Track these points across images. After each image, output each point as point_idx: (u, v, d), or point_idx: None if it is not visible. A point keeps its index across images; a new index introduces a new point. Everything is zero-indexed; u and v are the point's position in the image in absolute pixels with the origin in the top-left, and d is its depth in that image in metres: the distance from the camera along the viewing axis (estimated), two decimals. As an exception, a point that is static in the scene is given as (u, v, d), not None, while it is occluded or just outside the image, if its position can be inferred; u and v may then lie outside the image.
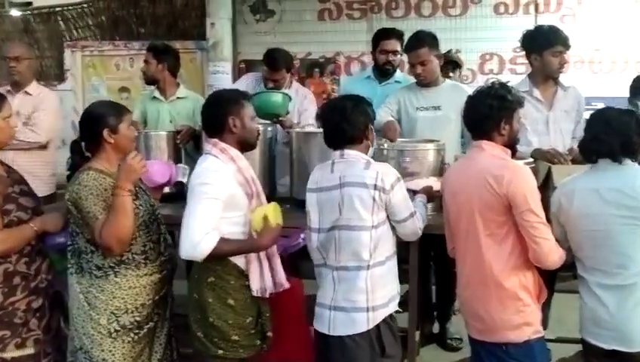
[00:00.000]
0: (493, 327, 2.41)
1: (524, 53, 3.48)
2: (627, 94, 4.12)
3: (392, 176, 2.45)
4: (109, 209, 2.36)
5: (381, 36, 4.00)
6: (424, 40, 3.56)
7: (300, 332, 2.85)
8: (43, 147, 4.01)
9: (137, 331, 2.50)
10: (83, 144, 2.54)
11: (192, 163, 3.47)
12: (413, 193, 2.76)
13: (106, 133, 2.46)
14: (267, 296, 2.49)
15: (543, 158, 3.03)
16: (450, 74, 4.44)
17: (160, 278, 2.57)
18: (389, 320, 2.48)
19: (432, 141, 3.22)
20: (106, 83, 6.27)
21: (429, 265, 3.73)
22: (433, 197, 2.86)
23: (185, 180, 3.20)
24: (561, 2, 5.26)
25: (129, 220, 2.36)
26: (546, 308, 2.82)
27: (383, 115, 3.50)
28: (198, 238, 2.28)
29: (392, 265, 2.51)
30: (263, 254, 2.47)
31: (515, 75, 5.17)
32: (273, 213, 2.43)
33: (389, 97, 3.72)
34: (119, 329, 2.46)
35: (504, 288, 2.37)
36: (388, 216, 2.48)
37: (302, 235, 2.73)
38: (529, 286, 2.40)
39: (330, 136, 2.56)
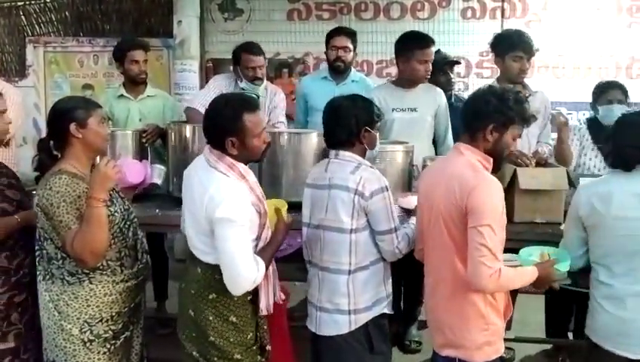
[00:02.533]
0: (453, 342, 2.27)
1: (490, 57, 3.53)
2: (589, 99, 4.20)
3: (375, 184, 2.41)
4: (82, 218, 2.22)
5: (331, 34, 4.02)
6: None
7: (282, 343, 2.71)
8: (4, 144, 3.90)
9: (114, 341, 2.38)
10: (51, 143, 2.39)
11: (161, 161, 3.43)
12: (406, 212, 2.70)
13: (73, 127, 2.30)
14: (271, 311, 2.40)
15: (509, 161, 3.07)
16: (450, 74, 4.16)
17: (136, 284, 2.46)
18: (379, 319, 2.50)
19: (400, 143, 3.24)
20: (69, 80, 6.09)
21: (399, 266, 3.73)
22: None
23: (160, 182, 3.12)
24: (527, 8, 5.34)
25: (104, 233, 2.23)
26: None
27: None
28: (253, 275, 2.18)
29: (378, 270, 2.50)
30: (270, 271, 2.38)
31: (482, 79, 5.25)
32: (281, 207, 2.43)
33: None
34: (93, 338, 2.32)
35: (469, 303, 2.21)
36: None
37: (288, 242, 2.70)
38: (494, 303, 2.25)
39: (325, 136, 2.57)
